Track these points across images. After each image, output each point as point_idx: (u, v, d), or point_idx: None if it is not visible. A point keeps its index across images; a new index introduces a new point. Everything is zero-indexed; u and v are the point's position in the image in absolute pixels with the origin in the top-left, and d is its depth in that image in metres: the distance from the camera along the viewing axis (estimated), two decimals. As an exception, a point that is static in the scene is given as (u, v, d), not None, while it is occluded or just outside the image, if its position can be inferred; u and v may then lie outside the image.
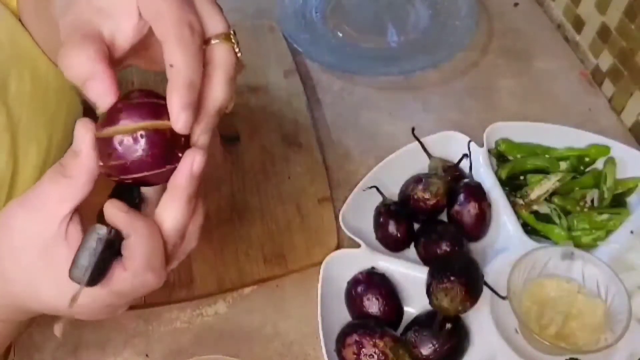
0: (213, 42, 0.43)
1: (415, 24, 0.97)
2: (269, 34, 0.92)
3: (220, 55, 0.43)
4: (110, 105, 0.39)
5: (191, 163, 0.40)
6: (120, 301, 0.43)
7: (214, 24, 0.44)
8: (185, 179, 0.40)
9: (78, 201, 0.41)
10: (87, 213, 0.42)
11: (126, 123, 0.38)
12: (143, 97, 0.40)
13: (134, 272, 0.40)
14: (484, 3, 1.00)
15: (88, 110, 0.63)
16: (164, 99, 0.39)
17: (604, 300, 0.63)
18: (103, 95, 0.39)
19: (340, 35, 0.95)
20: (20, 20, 0.57)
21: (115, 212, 0.41)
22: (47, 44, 0.57)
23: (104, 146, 0.39)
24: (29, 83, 0.57)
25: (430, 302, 0.61)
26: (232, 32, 0.45)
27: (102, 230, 0.39)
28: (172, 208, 0.41)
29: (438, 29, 0.95)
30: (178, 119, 0.39)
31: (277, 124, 0.81)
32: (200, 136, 0.42)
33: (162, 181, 0.41)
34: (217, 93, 0.42)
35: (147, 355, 0.64)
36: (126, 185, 0.41)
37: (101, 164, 0.39)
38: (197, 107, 0.40)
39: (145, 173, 0.39)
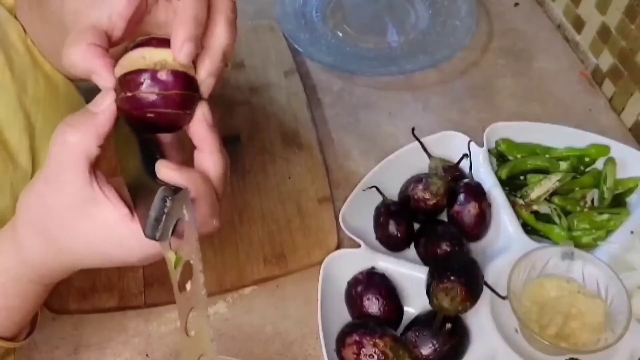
0: None
1: (415, 24, 0.97)
2: (269, 34, 0.92)
3: (220, 0, 0.45)
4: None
5: (201, 114, 0.44)
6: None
7: None
8: (204, 129, 0.44)
9: (92, 155, 0.43)
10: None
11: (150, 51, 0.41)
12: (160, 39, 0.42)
13: (203, 220, 0.43)
14: (484, 3, 1.00)
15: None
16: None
17: (604, 300, 0.63)
18: (108, 85, 0.42)
19: (340, 35, 0.95)
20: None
21: (168, 171, 0.43)
22: (45, 46, 0.58)
23: (129, 81, 0.41)
24: (43, 87, 0.58)
25: (430, 302, 0.61)
26: None
27: (166, 190, 0.41)
28: (210, 158, 0.45)
29: (438, 29, 0.95)
30: (181, 49, 0.41)
31: (277, 124, 0.81)
32: (207, 78, 0.44)
33: (181, 124, 0.44)
34: (221, 34, 0.44)
35: (147, 355, 0.64)
36: (145, 129, 0.44)
37: (127, 94, 0.41)
38: (200, 44, 0.42)
39: (169, 110, 0.42)
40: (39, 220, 0.46)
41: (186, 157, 0.47)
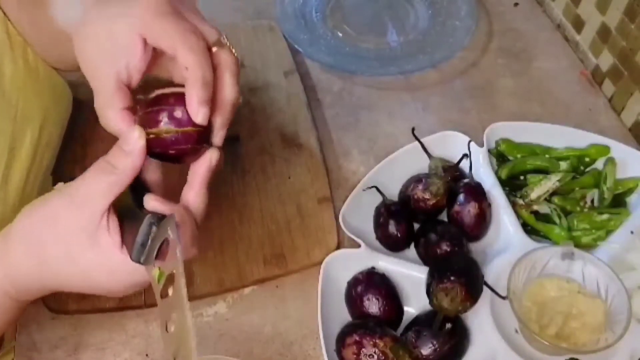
0: (213, 49, 0.49)
1: (415, 24, 0.97)
2: (269, 34, 0.92)
3: (224, 58, 0.50)
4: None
5: (209, 159, 0.50)
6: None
7: (208, 33, 0.49)
8: (205, 171, 0.50)
9: (118, 194, 0.47)
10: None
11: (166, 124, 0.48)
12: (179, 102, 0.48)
13: (184, 248, 0.47)
14: (484, 3, 1.00)
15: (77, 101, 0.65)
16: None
17: (604, 300, 0.63)
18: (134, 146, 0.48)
19: (340, 35, 0.95)
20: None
21: (156, 203, 0.48)
22: (32, 33, 0.62)
23: (150, 120, 0.49)
24: (23, 69, 0.60)
25: (430, 302, 0.61)
26: (223, 36, 0.51)
27: (153, 217, 0.46)
28: (196, 196, 0.51)
29: (438, 29, 0.95)
30: (198, 113, 0.47)
31: (277, 124, 0.81)
32: (220, 131, 0.51)
33: (189, 160, 0.52)
34: (229, 90, 0.50)
35: (147, 355, 0.64)
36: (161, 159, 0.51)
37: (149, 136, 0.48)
38: (212, 102, 0.48)
39: (182, 154, 0.50)
40: (40, 238, 0.48)
41: (168, 189, 0.52)
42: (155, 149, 0.49)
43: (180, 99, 0.48)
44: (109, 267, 0.48)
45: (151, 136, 0.48)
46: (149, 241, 0.45)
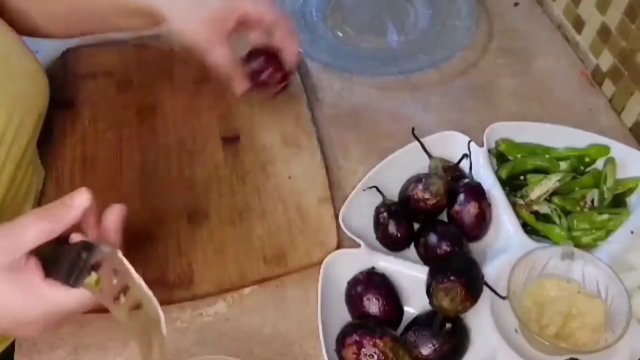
0: None
1: (415, 24, 0.97)
2: (269, 34, 0.92)
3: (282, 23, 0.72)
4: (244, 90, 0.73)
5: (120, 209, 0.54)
6: (79, 312, 0.52)
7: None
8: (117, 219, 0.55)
9: (47, 240, 0.49)
10: None
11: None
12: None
13: None
14: (484, 3, 1.00)
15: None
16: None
17: (604, 300, 0.63)
18: (239, 86, 0.72)
19: (340, 35, 0.95)
20: None
21: (78, 236, 0.52)
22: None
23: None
24: None
25: (430, 302, 0.61)
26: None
27: (78, 245, 0.50)
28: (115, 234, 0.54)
29: (438, 29, 0.95)
30: (292, 63, 0.73)
31: (277, 124, 0.81)
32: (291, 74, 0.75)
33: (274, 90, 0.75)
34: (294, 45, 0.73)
35: (147, 355, 0.64)
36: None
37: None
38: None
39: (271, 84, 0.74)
40: None
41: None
42: (255, 79, 0.73)
43: (266, 51, 0.72)
44: (43, 302, 0.49)
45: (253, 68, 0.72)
46: (76, 267, 0.49)
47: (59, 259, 0.50)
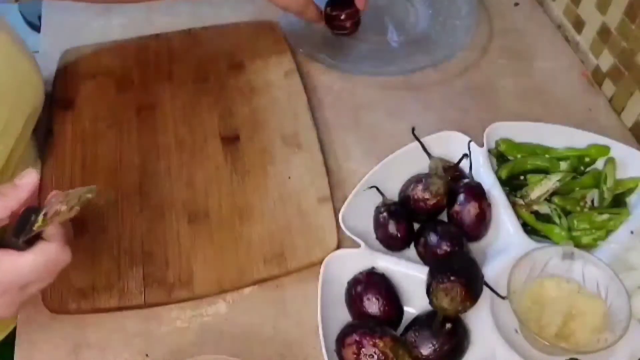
0: None
1: (415, 23, 0.97)
2: (269, 34, 0.92)
3: None
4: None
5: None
6: (39, 275, 0.52)
7: None
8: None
9: (6, 215, 0.52)
10: None
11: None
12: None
13: (58, 243, 0.52)
14: (484, 3, 1.00)
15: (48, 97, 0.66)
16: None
17: (604, 300, 0.63)
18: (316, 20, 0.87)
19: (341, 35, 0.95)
20: None
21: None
22: None
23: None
24: None
25: (430, 302, 0.61)
26: None
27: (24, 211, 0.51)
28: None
29: (438, 29, 0.95)
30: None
31: (277, 124, 0.81)
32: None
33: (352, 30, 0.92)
34: None
35: (147, 355, 0.64)
36: None
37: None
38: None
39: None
40: None
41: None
42: (334, 22, 0.91)
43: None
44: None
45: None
46: (25, 224, 0.51)
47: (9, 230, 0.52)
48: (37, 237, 0.51)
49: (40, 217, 0.50)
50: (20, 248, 0.51)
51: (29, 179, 0.53)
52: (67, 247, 0.53)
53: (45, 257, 0.51)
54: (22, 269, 0.51)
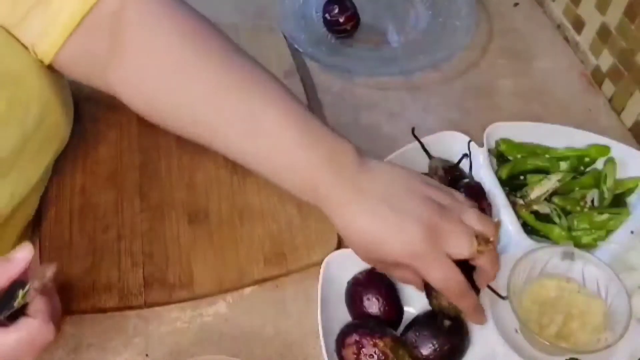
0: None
1: (415, 24, 0.97)
2: (269, 34, 0.92)
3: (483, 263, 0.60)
4: None
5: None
6: (18, 354, 0.48)
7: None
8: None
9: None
10: None
11: None
12: None
13: (41, 320, 0.49)
14: (484, 3, 1.00)
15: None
16: None
17: (604, 300, 0.63)
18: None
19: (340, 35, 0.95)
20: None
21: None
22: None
23: None
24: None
25: (430, 302, 0.61)
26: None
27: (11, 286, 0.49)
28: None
29: (438, 29, 0.95)
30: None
31: (277, 124, 0.81)
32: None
33: None
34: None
35: (147, 355, 0.64)
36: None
37: None
38: None
39: None
40: None
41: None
42: (333, 26, 0.92)
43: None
44: None
45: None
46: (8, 299, 0.48)
47: None
48: (20, 312, 0.49)
49: (20, 293, 0.48)
50: (3, 324, 0.48)
51: (23, 254, 0.50)
52: (51, 325, 0.50)
53: (29, 335, 0.48)
54: (3, 347, 0.48)
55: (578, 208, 0.73)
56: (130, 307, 0.66)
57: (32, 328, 0.48)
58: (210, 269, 0.68)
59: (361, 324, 0.62)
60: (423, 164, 0.76)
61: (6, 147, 0.61)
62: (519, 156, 0.77)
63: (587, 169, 0.77)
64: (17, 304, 0.48)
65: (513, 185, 0.75)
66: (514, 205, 0.72)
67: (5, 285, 0.49)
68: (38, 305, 0.49)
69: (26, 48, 0.62)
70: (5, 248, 0.59)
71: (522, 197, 0.73)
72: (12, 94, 0.61)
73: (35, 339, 0.49)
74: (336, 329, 0.63)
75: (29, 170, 0.65)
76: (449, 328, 0.60)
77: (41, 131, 0.65)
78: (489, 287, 0.64)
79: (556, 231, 0.71)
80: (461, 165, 0.74)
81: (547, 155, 0.77)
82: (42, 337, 0.49)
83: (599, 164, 0.77)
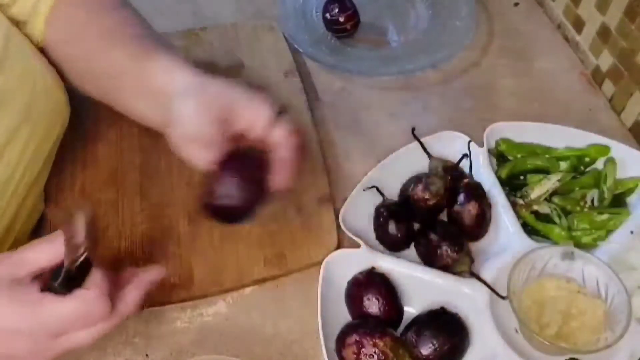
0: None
1: (415, 24, 0.97)
2: (269, 34, 0.92)
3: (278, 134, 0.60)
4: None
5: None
6: (74, 324, 0.49)
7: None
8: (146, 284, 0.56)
9: (50, 261, 0.50)
10: None
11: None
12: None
13: (97, 292, 0.50)
14: (484, 3, 1.00)
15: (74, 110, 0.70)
16: None
17: (604, 300, 0.63)
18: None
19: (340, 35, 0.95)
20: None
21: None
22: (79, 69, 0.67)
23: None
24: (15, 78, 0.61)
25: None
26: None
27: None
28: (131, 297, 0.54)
29: (438, 29, 0.95)
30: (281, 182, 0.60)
31: (277, 124, 0.81)
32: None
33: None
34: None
35: (147, 355, 0.64)
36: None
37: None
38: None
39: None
40: None
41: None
42: (334, 26, 0.92)
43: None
44: (20, 311, 0.48)
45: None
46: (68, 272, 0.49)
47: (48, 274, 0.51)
48: (77, 285, 0.50)
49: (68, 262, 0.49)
50: (59, 293, 0.49)
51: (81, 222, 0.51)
52: (108, 300, 0.50)
53: (84, 304, 0.49)
54: (58, 311, 0.49)
55: (578, 208, 0.73)
56: (130, 307, 0.66)
57: (88, 298, 0.49)
58: (210, 269, 0.68)
59: (361, 324, 0.62)
60: (423, 164, 0.76)
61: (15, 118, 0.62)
62: (519, 156, 0.77)
63: (587, 169, 0.77)
64: (68, 263, 0.48)
65: (513, 185, 0.75)
66: (514, 205, 0.72)
67: (56, 262, 0.50)
68: (95, 279, 0.50)
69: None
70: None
71: (522, 197, 0.73)
72: (23, 68, 0.63)
73: (90, 309, 0.49)
74: (336, 329, 0.63)
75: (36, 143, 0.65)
76: (449, 328, 0.61)
77: (48, 105, 0.66)
78: (489, 287, 0.64)
79: (556, 231, 0.71)
80: (461, 165, 0.74)
81: (547, 155, 0.77)
82: (97, 309, 0.49)
83: (599, 164, 0.77)
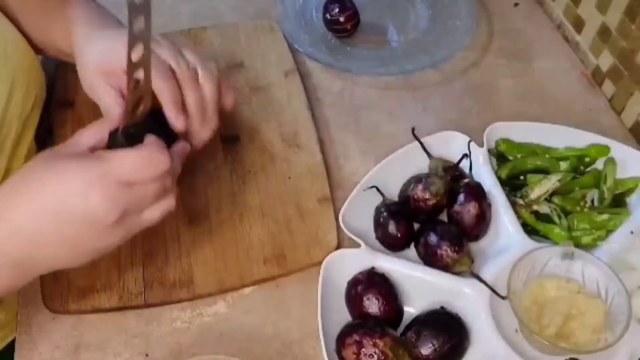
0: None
1: (415, 24, 0.97)
2: (269, 34, 0.92)
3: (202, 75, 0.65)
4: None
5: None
6: (141, 172, 0.53)
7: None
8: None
9: (102, 132, 0.56)
10: None
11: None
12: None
13: (156, 145, 0.54)
14: (484, 3, 1.00)
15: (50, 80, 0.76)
16: None
17: (604, 300, 0.63)
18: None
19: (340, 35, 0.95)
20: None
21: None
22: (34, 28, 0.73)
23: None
24: None
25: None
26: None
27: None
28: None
29: (438, 29, 0.95)
30: (177, 123, 0.62)
31: (277, 124, 0.81)
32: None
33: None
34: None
35: (147, 355, 0.64)
36: None
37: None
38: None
39: None
40: (13, 201, 0.52)
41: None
42: (334, 26, 0.92)
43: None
44: (86, 164, 0.52)
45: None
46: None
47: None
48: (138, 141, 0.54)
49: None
50: (125, 146, 0.54)
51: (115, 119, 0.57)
52: (167, 153, 0.54)
53: (146, 153, 0.53)
54: (128, 160, 0.52)
55: (578, 208, 0.73)
56: (130, 307, 0.66)
57: (150, 147, 0.54)
58: (210, 269, 0.68)
59: (361, 324, 0.62)
60: (423, 164, 0.76)
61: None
62: (519, 156, 0.77)
63: (587, 169, 0.77)
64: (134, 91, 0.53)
65: (513, 185, 0.75)
66: (514, 205, 0.72)
67: (112, 125, 0.56)
68: (151, 139, 0.55)
69: None
70: None
71: (522, 197, 0.73)
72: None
73: (151, 159, 0.53)
74: (336, 329, 0.63)
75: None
76: (449, 328, 0.61)
77: (22, 60, 0.70)
78: (489, 287, 0.64)
79: (556, 231, 0.71)
80: (461, 165, 0.74)
81: (547, 155, 0.77)
82: (158, 159, 0.53)
83: (599, 164, 0.77)
